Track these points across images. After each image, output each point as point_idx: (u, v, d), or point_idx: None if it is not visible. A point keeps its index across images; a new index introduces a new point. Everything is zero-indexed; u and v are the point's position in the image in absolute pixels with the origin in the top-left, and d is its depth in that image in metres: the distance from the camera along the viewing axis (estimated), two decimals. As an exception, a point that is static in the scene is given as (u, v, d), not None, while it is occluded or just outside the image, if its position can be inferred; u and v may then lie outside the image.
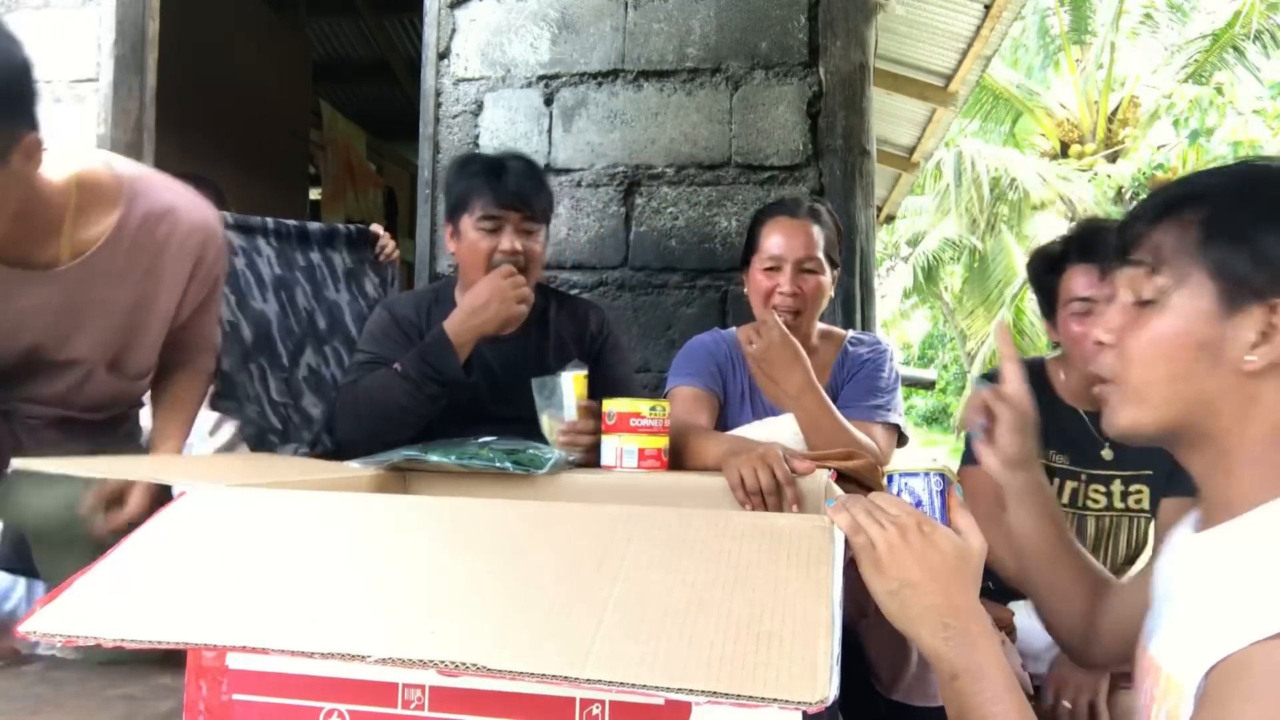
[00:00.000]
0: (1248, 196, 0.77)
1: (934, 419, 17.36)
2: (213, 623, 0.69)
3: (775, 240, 1.74)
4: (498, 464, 1.30)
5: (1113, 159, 10.63)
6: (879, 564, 0.75)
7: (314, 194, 6.01)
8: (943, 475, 0.77)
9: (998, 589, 1.58)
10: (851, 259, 2.55)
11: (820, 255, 1.74)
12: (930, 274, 14.52)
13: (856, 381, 1.77)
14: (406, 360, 1.63)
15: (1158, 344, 0.79)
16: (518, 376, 1.66)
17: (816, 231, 1.75)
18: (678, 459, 1.47)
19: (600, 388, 1.67)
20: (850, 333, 1.89)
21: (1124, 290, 0.83)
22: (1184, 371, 0.77)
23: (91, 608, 0.72)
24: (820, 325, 1.86)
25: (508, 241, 1.72)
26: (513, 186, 1.72)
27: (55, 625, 0.69)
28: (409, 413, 1.60)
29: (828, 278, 1.77)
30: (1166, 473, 1.61)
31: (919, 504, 0.77)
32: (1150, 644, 0.81)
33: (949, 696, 0.73)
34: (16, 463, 0.98)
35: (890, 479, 0.78)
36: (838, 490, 1.16)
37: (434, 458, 1.32)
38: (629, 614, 0.66)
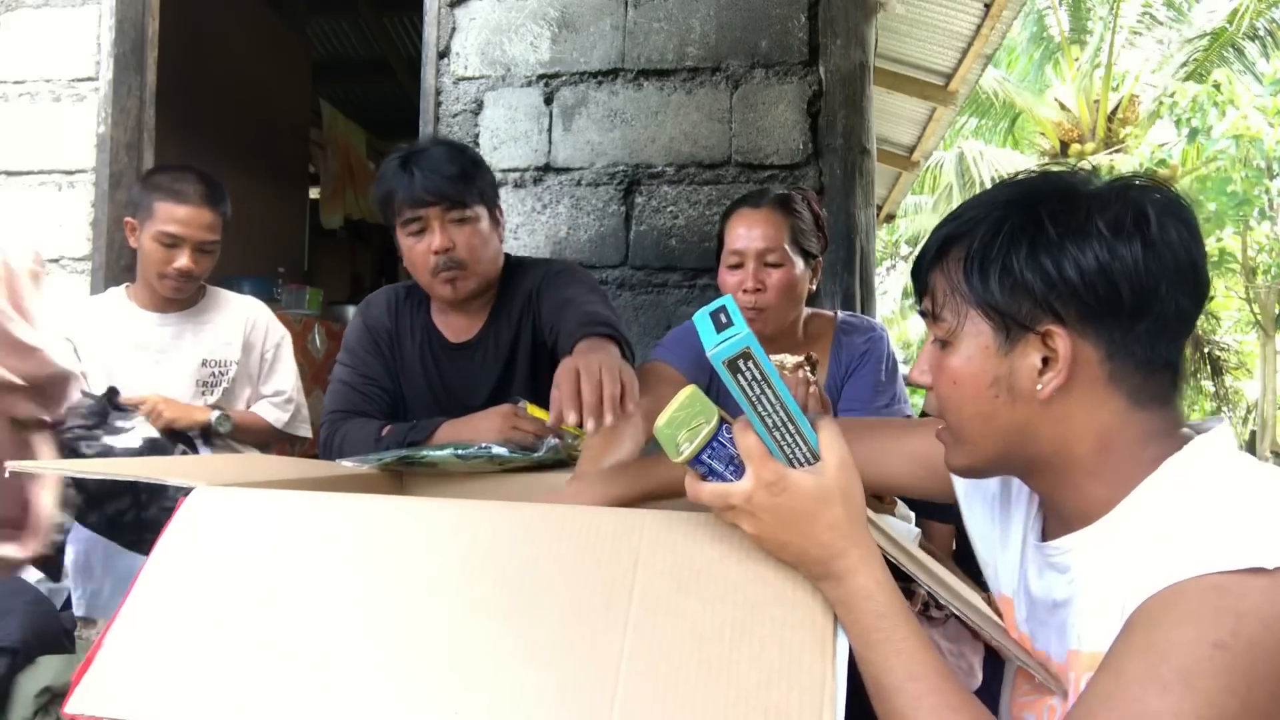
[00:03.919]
0: (999, 224, 0.76)
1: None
2: (239, 704, 0.71)
3: (737, 233, 1.68)
4: (494, 451, 1.30)
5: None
6: (756, 542, 0.75)
7: (314, 193, 6.00)
8: (720, 419, 0.75)
9: None
10: (851, 258, 2.54)
11: (785, 246, 1.65)
12: (931, 273, 14.47)
13: (858, 380, 1.71)
14: (390, 432, 1.55)
15: (957, 387, 0.79)
16: (476, 389, 1.64)
17: (781, 221, 1.67)
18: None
19: (548, 318, 1.62)
20: (840, 315, 1.80)
21: (929, 333, 0.84)
22: (988, 409, 0.78)
23: (127, 682, 0.75)
24: (807, 310, 1.79)
25: (437, 239, 1.58)
26: (423, 181, 1.56)
27: (98, 706, 0.73)
28: None
29: (799, 269, 1.67)
30: None
31: (732, 460, 0.75)
32: (1059, 647, 0.80)
33: (841, 622, 0.74)
34: (11, 465, 0.97)
35: (697, 463, 0.76)
36: None
37: (428, 454, 1.31)
38: (641, 681, 0.67)
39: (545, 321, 1.66)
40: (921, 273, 0.83)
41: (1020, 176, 0.81)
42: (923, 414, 2.02)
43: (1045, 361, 0.75)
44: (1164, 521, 0.70)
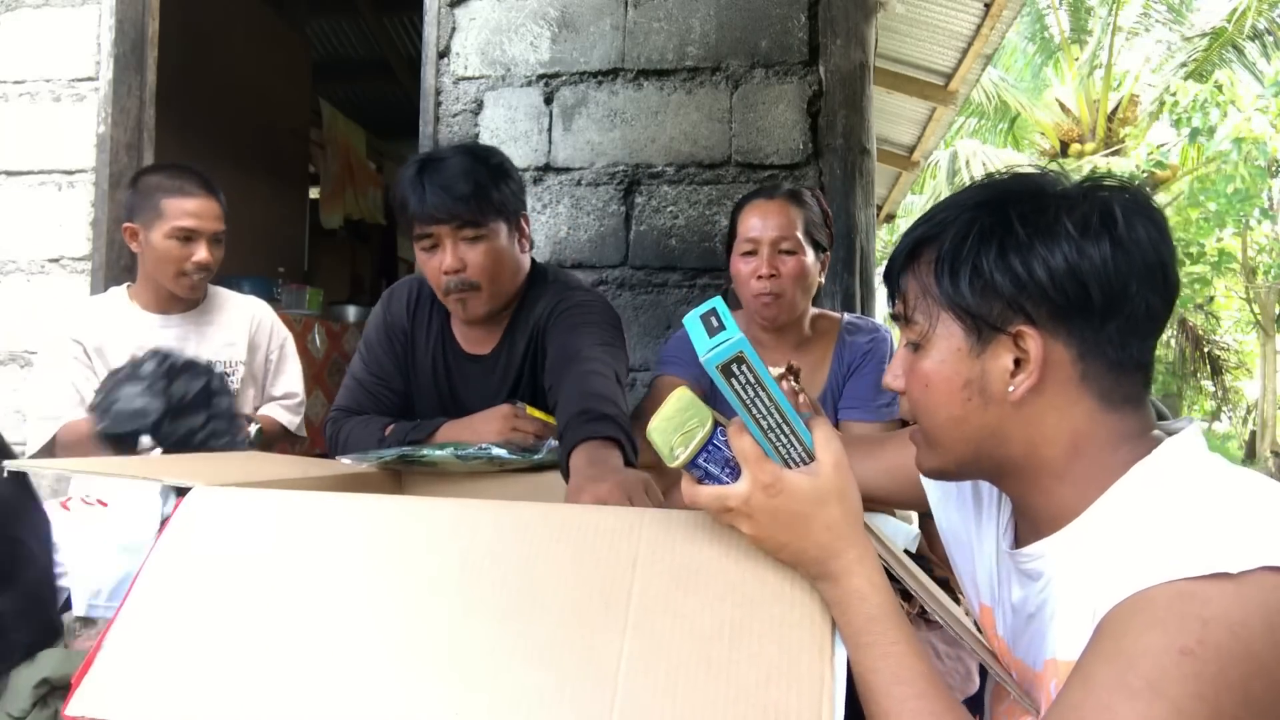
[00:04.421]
0: (969, 226, 0.76)
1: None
2: (239, 704, 0.71)
3: (751, 223, 1.71)
4: (494, 452, 1.29)
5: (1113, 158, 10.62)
6: (755, 543, 0.75)
7: (313, 193, 6.00)
8: (714, 422, 0.75)
9: None
10: (851, 258, 2.54)
11: (799, 235, 1.68)
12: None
13: (859, 379, 1.71)
14: (392, 431, 1.54)
15: (929, 390, 0.79)
16: (485, 401, 1.60)
17: (794, 212, 1.70)
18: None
19: (550, 368, 1.53)
20: (846, 316, 1.83)
21: (901, 337, 0.84)
22: (961, 413, 0.78)
23: (127, 683, 0.75)
24: (814, 310, 1.81)
25: (448, 259, 1.51)
26: (434, 198, 1.49)
27: (98, 708, 0.73)
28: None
29: (810, 259, 1.70)
30: None
31: (728, 463, 0.75)
32: (1036, 656, 0.81)
33: (835, 622, 0.74)
34: (10, 463, 0.97)
35: (692, 466, 0.75)
36: None
37: (428, 453, 1.31)
38: (641, 680, 0.68)
39: (547, 368, 1.57)
40: (893, 276, 0.83)
41: (991, 178, 0.81)
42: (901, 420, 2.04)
43: (1017, 363, 0.75)
44: (1132, 527, 0.71)
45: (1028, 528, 0.84)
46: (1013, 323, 0.74)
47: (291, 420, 2.22)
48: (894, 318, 0.84)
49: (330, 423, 1.67)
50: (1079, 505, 0.76)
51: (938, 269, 0.77)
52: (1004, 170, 0.83)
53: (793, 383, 1.37)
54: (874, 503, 1.10)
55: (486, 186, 1.53)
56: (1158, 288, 0.74)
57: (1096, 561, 0.72)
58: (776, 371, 1.37)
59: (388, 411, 1.68)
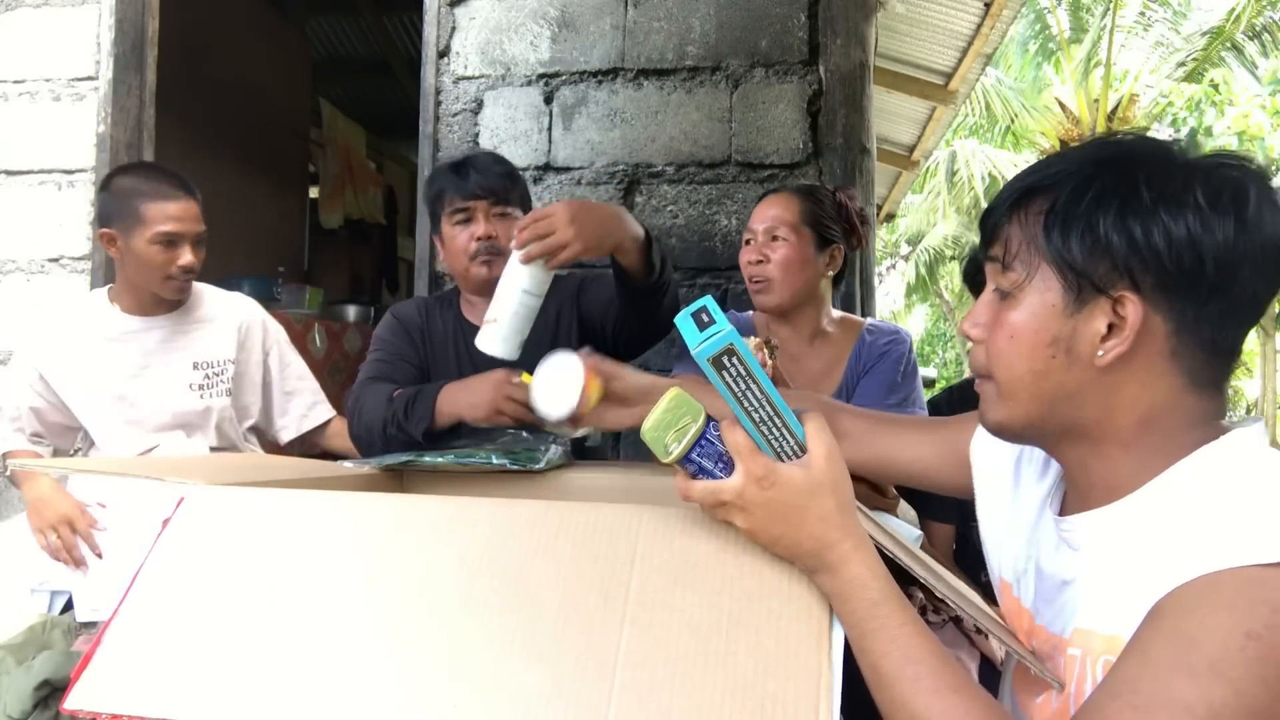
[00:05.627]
0: (1088, 182, 0.74)
1: (934, 417, 17.37)
2: (238, 696, 0.72)
3: (754, 215, 1.76)
4: (495, 460, 1.30)
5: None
6: (750, 536, 0.75)
7: (313, 193, 6.00)
8: (707, 419, 0.76)
9: None
10: (852, 257, 2.54)
11: (793, 225, 1.70)
12: (931, 271, 14.51)
13: (873, 376, 1.71)
14: (400, 393, 1.62)
15: (1015, 341, 0.77)
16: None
17: (794, 203, 1.72)
18: None
19: (604, 305, 1.76)
20: (868, 320, 1.83)
21: (990, 282, 0.82)
22: (1043, 368, 0.76)
23: (126, 678, 0.75)
24: (836, 312, 1.82)
25: (481, 228, 1.74)
26: (475, 177, 1.75)
27: (96, 702, 0.73)
28: (386, 437, 1.59)
29: (807, 249, 1.71)
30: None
31: (721, 457, 0.76)
32: (1063, 624, 0.80)
33: (837, 614, 0.74)
34: (13, 462, 0.98)
35: (686, 462, 0.76)
36: None
37: (429, 459, 1.31)
38: (640, 672, 0.68)
39: (601, 307, 1.80)
40: (992, 219, 0.81)
41: (1115, 138, 0.79)
42: (963, 383, 2.01)
43: (1110, 329, 0.73)
44: (1196, 508, 0.70)
45: (1076, 497, 0.83)
46: (1116, 286, 0.72)
47: (326, 413, 2.27)
48: (988, 259, 0.82)
49: (355, 390, 1.76)
50: (1139, 479, 0.75)
51: (1048, 220, 0.75)
52: (1129, 130, 0.82)
53: (765, 356, 1.38)
54: (920, 481, 1.09)
55: (516, 177, 1.83)
56: (1269, 276, 0.73)
57: (1152, 538, 0.72)
58: (755, 341, 1.38)
59: (410, 381, 1.75)
